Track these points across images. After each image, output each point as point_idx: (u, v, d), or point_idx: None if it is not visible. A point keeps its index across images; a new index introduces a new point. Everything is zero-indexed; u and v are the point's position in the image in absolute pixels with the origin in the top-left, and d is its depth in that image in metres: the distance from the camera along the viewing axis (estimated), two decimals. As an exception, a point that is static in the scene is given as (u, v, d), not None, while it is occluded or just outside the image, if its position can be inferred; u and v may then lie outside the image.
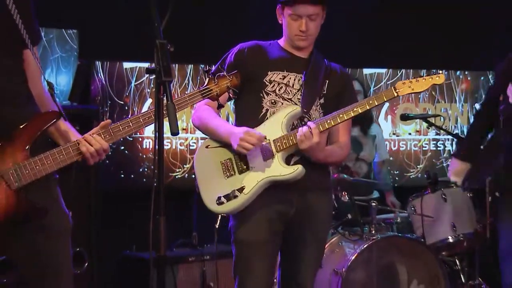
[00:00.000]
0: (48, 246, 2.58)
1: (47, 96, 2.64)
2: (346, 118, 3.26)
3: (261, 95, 3.34)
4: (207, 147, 3.35)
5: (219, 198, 3.24)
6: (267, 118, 3.32)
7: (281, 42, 3.47)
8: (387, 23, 5.93)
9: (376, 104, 3.30)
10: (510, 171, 3.71)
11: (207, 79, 2.90)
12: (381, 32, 5.94)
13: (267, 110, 3.33)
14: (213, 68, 3.38)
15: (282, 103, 3.34)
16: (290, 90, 3.35)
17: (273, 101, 3.34)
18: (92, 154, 2.60)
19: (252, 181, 3.25)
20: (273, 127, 3.28)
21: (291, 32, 3.37)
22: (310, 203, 3.36)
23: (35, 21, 2.65)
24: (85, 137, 2.61)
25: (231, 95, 3.14)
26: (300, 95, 3.36)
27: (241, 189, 3.24)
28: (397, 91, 3.32)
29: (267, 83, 3.34)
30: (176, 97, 2.75)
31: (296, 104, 3.34)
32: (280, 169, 3.26)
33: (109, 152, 2.67)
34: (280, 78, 3.35)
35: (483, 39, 6.13)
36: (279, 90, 3.35)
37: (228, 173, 3.28)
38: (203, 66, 3.40)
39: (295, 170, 3.26)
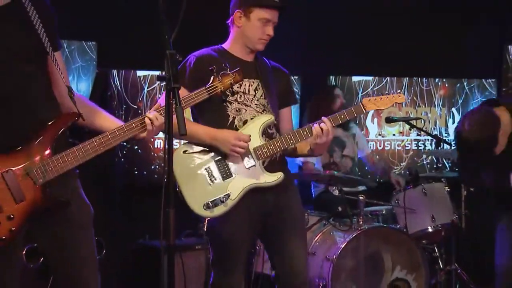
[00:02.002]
0: (70, 235, 2.57)
1: (68, 99, 2.62)
2: (342, 121, 3.28)
3: (225, 104, 3.23)
4: (184, 152, 3.21)
5: (207, 204, 3.14)
6: (236, 126, 3.24)
7: (226, 46, 3.34)
8: (374, 36, 5.92)
9: (348, 118, 3.31)
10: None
11: (212, 77, 2.85)
12: (369, 44, 5.94)
13: (234, 117, 3.25)
14: None
15: (246, 110, 3.26)
16: (248, 97, 3.27)
17: (237, 109, 3.25)
18: (152, 128, 2.64)
19: (237, 188, 3.18)
20: (251, 137, 3.21)
21: (256, 35, 3.25)
22: (284, 197, 3.32)
23: (56, 29, 2.62)
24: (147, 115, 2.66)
25: (234, 90, 3.10)
26: (258, 99, 3.28)
27: (227, 195, 3.16)
28: (364, 107, 3.34)
29: (227, 93, 3.12)
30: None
31: (257, 111, 3.27)
32: (264, 177, 3.22)
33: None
34: (237, 87, 3.22)
35: (459, 51, 6.13)
36: (239, 97, 3.25)
37: (212, 179, 3.18)
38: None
39: (278, 178, 3.24)
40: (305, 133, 3.23)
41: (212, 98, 2.95)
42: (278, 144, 3.23)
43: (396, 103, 3.40)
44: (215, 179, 3.19)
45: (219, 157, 3.21)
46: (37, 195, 2.46)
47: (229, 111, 3.25)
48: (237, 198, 3.17)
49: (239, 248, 3.28)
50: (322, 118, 3.25)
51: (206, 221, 3.31)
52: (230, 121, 3.25)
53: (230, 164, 3.21)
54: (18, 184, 2.44)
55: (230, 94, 3.17)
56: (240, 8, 3.26)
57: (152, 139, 5.13)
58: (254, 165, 3.22)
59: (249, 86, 3.29)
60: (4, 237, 2.41)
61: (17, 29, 2.50)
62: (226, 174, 3.19)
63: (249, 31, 3.25)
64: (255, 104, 3.29)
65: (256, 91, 3.30)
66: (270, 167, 3.26)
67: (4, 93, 2.47)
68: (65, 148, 2.52)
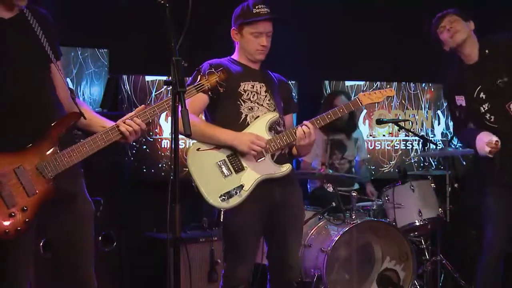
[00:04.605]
0: (75, 227, 2.61)
1: (70, 101, 2.67)
2: (328, 121, 3.30)
3: (239, 103, 3.26)
4: (198, 149, 3.22)
5: (222, 196, 3.15)
6: (248, 123, 3.25)
7: (235, 57, 3.38)
8: (366, 44, 5.93)
9: (346, 112, 3.36)
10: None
11: (199, 76, 2.85)
12: (361, 51, 5.94)
13: (246, 115, 3.27)
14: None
15: (258, 108, 3.28)
16: (260, 97, 3.30)
17: (250, 107, 3.28)
18: (131, 132, 2.61)
19: (250, 179, 3.19)
20: (258, 132, 3.23)
21: (252, 48, 3.29)
22: (287, 193, 3.32)
23: (57, 38, 2.66)
24: (124, 120, 2.63)
25: (219, 89, 3.11)
26: (269, 100, 3.32)
27: (240, 187, 3.17)
28: (360, 101, 3.38)
29: (242, 92, 3.27)
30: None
31: (268, 109, 3.30)
32: (274, 168, 3.23)
33: (139, 137, 2.69)
34: (251, 87, 3.29)
35: (443, 58, 6.12)
36: (253, 97, 3.29)
37: (225, 173, 3.19)
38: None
39: (287, 169, 3.26)
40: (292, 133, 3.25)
41: (227, 97, 3.08)
42: (284, 138, 3.25)
43: (387, 96, 3.49)
44: (229, 173, 3.19)
45: (231, 152, 3.22)
46: (47, 188, 2.51)
47: (242, 109, 3.27)
48: (250, 189, 3.18)
49: (249, 239, 3.28)
50: (304, 122, 3.27)
51: (222, 214, 3.31)
52: (242, 118, 3.27)
53: (242, 158, 3.21)
54: (30, 179, 2.48)
55: (223, 90, 3.18)
56: (234, 26, 3.33)
57: (159, 140, 5.13)
58: (264, 158, 3.23)
59: (260, 88, 3.33)
60: (19, 228, 2.45)
61: (25, 39, 2.55)
62: (239, 168, 3.20)
63: (246, 45, 3.31)
64: (267, 103, 3.32)
65: (266, 93, 3.34)
66: (278, 160, 3.28)
67: (14, 96, 2.51)
68: (70, 145, 2.56)
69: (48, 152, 2.52)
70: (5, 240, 2.45)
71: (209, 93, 2.99)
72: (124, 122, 2.62)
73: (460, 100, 3.79)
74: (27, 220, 2.46)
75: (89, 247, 2.68)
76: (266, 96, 3.32)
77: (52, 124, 2.54)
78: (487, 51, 3.76)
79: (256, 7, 3.27)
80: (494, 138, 3.63)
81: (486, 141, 3.63)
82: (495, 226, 3.72)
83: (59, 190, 2.53)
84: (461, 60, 3.85)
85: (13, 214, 2.44)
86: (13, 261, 2.53)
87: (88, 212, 2.68)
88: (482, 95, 3.72)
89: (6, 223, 2.43)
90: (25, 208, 2.46)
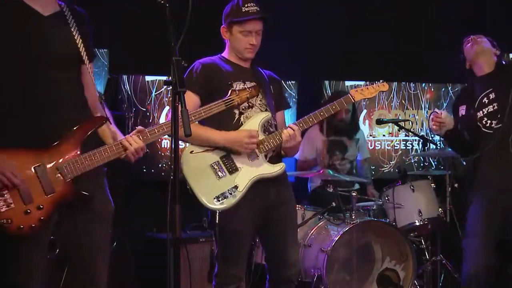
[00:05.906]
0: (89, 226, 2.62)
1: (98, 104, 2.70)
2: (320, 119, 3.29)
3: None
4: (191, 152, 3.21)
5: (217, 197, 3.14)
6: (241, 123, 3.24)
7: (225, 55, 3.37)
8: (366, 44, 5.93)
9: (339, 108, 3.34)
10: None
11: (230, 90, 2.87)
12: (361, 51, 5.94)
13: (239, 115, 3.26)
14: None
15: (252, 108, 3.27)
16: None
17: (243, 107, 3.26)
18: (132, 152, 2.63)
19: (244, 180, 3.18)
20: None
21: (241, 46, 3.28)
22: (281, 192, 3.32)
23: (91, 41, 2.69)
24: (126, 137, 2.64)
25: (247, 104, 3.11)
26: (260, 99, 3.30)
27: (235, 187, 3.16)
28: (353, 97, 3.36)
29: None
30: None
31: (261, 109, 3.29)
32: (268, 168, 3.23)
33: (146, 150, 2.69)
34: (242, 87, 3.23)
35: (444, 58, 6.13)
36: None
37: (219, 174, 3.17)
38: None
39: (281, 168, 3.25)
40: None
41: (219, 98, 2.96)
42: (276, 138, 3.25)
43: (381, 91, 3.47)
44: (223, 174, 3.18)
45: (224, 154, 3.22)
46: (65, 189, 2.52)
47: (235, 109, 3.25)
48: (244, 189, 3.17)
49: (244, 241, 3.28)
50: (289, 124, 3.27)
51: (217, 215, 3.30)
52: (236, 118, 3.26)
53: (235, 159, 3.21)
54: (49, 178, 2.49)
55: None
56: (224, 24, 3.32)
57: (159, 140, 5.13)
58: (258, 158, 3.22)
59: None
60: (33, 225, 2.47)
61: (61, 37, 2.58)
62: (232, 169, 3.19)
63: (235, 43, 3.30)
64: (259, 104, 3.30)
65: (258, 93, 3.31)
66: (271, 160, 3.28)
67: (43, 95, 2.52)
68: (93, 148, 2.58)
69: (70, 153, 2.53)
70: (19, 235, 2.46)
71: (234, 110, 2.97)
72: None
73: (462, 110, 3.83)
74: (42, 218, 2.47)
75: (101, 247, 2.67)
76: (257, 96, 3.30)
77: (76, 127, 2.55)
78: (504, 62, 3.86)
79: (246, 5, 3.25)
80: (439, 111, 3.73)
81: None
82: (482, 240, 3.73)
83: (76, 193, 2.54)
84: (474, 76, 3.92)
85: (29, 211, 2.46)
86: (29, 259, 2.53)
87: (105, 212, 2.68)
88: (488, 97, 3.76)
89: (21, 219, 2.45)
90: (41, 207, 2.47)
